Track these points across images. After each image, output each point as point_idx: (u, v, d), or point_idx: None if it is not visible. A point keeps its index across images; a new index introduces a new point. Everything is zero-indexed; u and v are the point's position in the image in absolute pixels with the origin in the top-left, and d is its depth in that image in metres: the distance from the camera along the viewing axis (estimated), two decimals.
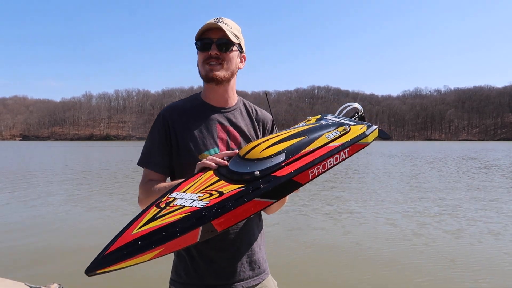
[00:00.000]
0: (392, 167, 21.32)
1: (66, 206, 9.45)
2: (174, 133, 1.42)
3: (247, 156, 1.09)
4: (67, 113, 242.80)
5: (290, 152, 1.06)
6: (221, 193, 0.99)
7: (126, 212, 8.36)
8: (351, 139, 1.11)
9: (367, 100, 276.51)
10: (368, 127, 1.19)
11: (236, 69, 1.44)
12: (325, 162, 1.03)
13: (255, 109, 1.58)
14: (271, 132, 1.54)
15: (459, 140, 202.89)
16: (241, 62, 1.48)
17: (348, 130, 1.15)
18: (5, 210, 9.09)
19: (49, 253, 5.68)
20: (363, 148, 1.14)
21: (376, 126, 1.21)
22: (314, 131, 1.14)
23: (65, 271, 4.88)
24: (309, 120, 1.33)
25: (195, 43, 1.40)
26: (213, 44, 1.36)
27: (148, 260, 0.90)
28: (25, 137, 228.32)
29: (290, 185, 1.00)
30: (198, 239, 0.92)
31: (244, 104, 1.56)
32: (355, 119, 1.34)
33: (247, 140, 1.46)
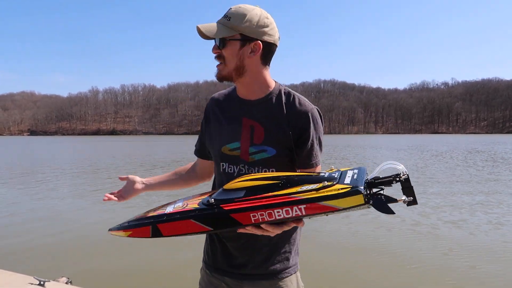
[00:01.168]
0: (399, 160, 21.15)
1: (73, 200, 9.56)
2: (208, 122, 1.51)
3: (225, 187, 1.14)
4: (74, 108, 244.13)
5: (251, 192, 1.05)
6: (184, 207, 1.12)
7: (130, 205, 8.41)
8: (315, 197, 0.97)
9: (374, 93, 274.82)
10: (353, 189, 0.96)
11: (244, 61, 1.35)
12: (272, 211, 0.98)
13: (293, 99, 1.41)
14: (307, 127, 1.37)
15: (467, 133, 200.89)
16: (252, 52, 1.35)
17: (328, 186, 1.00)
18: (14, 204, 9.21)
19: (58, 247, 5.76)
20: (332, 212, 0.97)
21: (361, 193, 0.95)
22: (295, 179, 1.07)
23: (73, 264, 4.95)
24: (332, 170, 1.19)
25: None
26: (215, 43, 1.37)
27: (126, 236, 1.15)
28: (32, 132, 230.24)
29: (227, 220, 1.02)
30: (150, 235, 1.10)
31: (281, 94, 1.42)
32: (389, 181, 1.06)
33: (272, 135, 1.37)
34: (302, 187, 1.02)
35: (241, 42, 1.34)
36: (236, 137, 1.39)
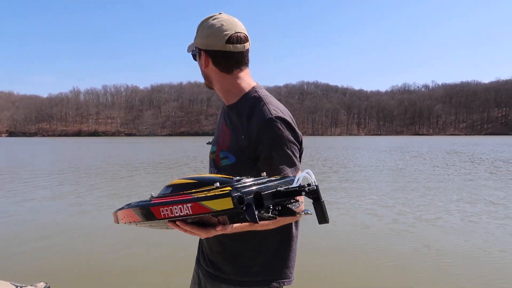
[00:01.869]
0: (378, 161, 21.53)
1: (50, 203, 9.39)
2: None
3: (170, 183, 1.17)
4: (55, 109, 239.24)
5: (176, 189, 1.09)
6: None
7: (104, 207, 8.34)
8: (198, 197, 0.96)
9: (356, 95, 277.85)
10: (232, 191, 0.92)
11: (205, 72, 1.43)
12: (172, 208, 0.99)
13: (258, 106, 1.34)
14: (261, 136, 1.29)
15: (447, 135, 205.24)
16: (204, 62, 1.40)
17: (217, 188, 0.98)
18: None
19: (35, 251, 5.65)
20: (208, 213, 0.94)
21: (230, 195, 0.91)
22: (208, 180, 1.06)
23: (51, 269, 4.87)
24: (284, 175, 1.21)
25: None
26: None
27: (124, 223, 1.18)
28: (11, 134, 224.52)
29: (147, 212, 1.06)
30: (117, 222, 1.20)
31: (247, 101, 1.39)
32: (300, 190, 1.02)
33: (234, 142, 1.35)
34: (206, 187, 1.01)
35: (198, 55, 1.42)
36: (215, 141, 1.46)
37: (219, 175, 1.12)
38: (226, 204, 0.92)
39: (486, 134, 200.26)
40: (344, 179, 13.66)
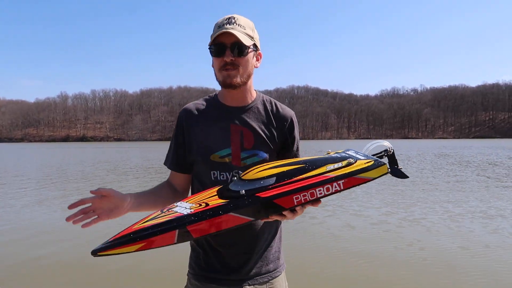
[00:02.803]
0: None
1: (35, 208, 9.19)
2: (188, 132, 1.45)
3: (243, 177, 1.15)
4: (42, 114, 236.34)
5: (281, 177, 1.09)
6: (206, 205, 1.07)
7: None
8: (350, 172, 1.10)
9: (346, 99, 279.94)
10: (376, 162, 1.15)
11: (252, 70, 1.41)
12: (314, 191, 1.04)
13: (275, 105, 1.52)
14: (291, 131, 1.50)
15: (435, 138, 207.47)
16: (257, 60, 1.45)
17: (353, 163, 1.14)
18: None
19: (25, 260, 5.49)
20: (364, 183, 1.11)
21: (384, 163, 1.16)
22: (317, 161, 1.15)
23: (38, 276, 4.72)
24: (329, 153, 1.30)
25: (209, 48, 1.37)
26: (227, 50, 1.33)
27: (134, 251, 1.01)
28: None
29: (271, 206, 1.04)
30: (175, 241, 1.02)
31: (263, 101, 1.51)
32: (381, 157, 1.26)
33: (262, 140, 1.43)
34: (327, 167, 1.11)
35: (254, 52, 1.41)
36: (226, 143, 1.40)
37: (315, 156, 1.21)
38: (383, 170, 1.15)
39: (474, 137, 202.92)
40: None
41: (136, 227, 1.04)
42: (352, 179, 1.09)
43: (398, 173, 1.21)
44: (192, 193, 1.48)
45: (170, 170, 1.54)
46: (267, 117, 1.47)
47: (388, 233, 6.64)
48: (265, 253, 1.44)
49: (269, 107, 1.49)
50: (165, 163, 1.54)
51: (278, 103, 1.53)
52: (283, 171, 1.11)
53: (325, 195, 1.06)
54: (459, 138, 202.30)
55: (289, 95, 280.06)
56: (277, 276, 1.47)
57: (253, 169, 1.17)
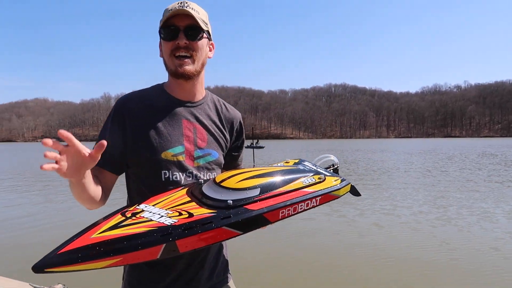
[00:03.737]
0: (404, 164, 21.02)
1: (73, 204, 9.66)
2: (131, 126, 1.25)
3: (222, 184, 1.08)
4: (87, 115, 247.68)
5: (265, 189, 1.07)
6: (190, 214, 0.98)
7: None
8: (324, 189, 1.13)
9: (385, 97, 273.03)
10: (342, 181, 1.22)
11: (205, 59, 1.30)
12: (296, 206, 1.05)
13: (224, 105, 1.43)
14: (240, 133, 1.46)
15: (481, 137, 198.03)
16: (210, 50, 1.33)
17: (323, 179, 1.18)
18: (16, 208, 9.34)
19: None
20: (333, 200, 1.16)
21: (349, 182, 1.24)
22: (292, 173, 1.16)
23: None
24: (288, 162, 1.34)
25: (159, 31, 1.25)
26: (180, 32, 1.21)
27: (103, 267, 0.86)
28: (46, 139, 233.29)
29: (260, 220, 1.01)
30: (158, 256, 0.90)
31: (213, 99, 1.41)
32: (329, 170, 1.36)
33: (214, 138, 1.34)
34: (302, 181, 1.14)
35: (208, 40, 1.29)
36: (178, 140, 1.27)
37: (284, 167, 1.25)
38: (347, 189, 1.24)
39: None
40: (367, 180, 13.41)
41: (97, 236, 0.89)
42: (327, 196, 1.12)
43: (354, 191, 1.31)
44: (130, 198, 1.32)
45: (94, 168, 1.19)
46: (218, 116, 1.38)
47: (419, 232, 6.46)
48: (216, 260, 1.38)
49: (218, 106, 1.40)
50: None
51: (226, 103, 1.45)
52: (265, 182, 1.09)
53: (304, 210, 1.08)
54: (506, 136, 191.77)
55: (326, 94, 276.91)
56: (227, 282, 1.42)
57: (231, 176, 1.12)
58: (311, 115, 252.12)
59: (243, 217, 0.98)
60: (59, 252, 0.85)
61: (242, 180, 1.09)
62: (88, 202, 1.15)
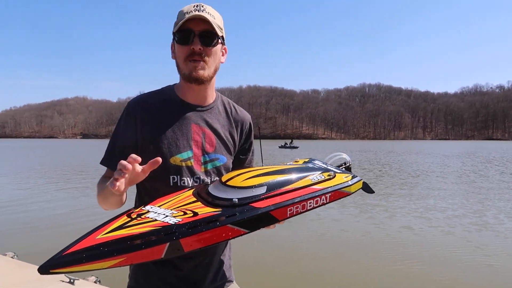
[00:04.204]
0: (440, 167, 20.31)
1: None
2: (142, 129, 1.26)
3: (228, 183, 1.08)
4: None
5: (272, 187, 1.05)
6: (195, 213, 0.98)
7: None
8: (334, 185, 1.11)
9: (422, 97, 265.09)
10: (353, 177, 1.19)
11: (218, 64, 1.29)
12: (305, 203, 1.04)
13: (234, 107, 1.42)
14: (249, 135, 1.45)
15: None
16: (223, 55, 1.32)
17: (333, 176, 1.16)
18: (54, 202, 9.76)
19: None
20: (345, 197, 1.14)
21: (361, 178, 1.21)
22: (300, 171, 1.14)
23: None
24: (297, 161, 1.31)
25: (173, 35, 1.24)
26: (195, 37, 1.20)
27: (107, 267, 0.87)
28: (85, 136, 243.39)
29: (266, 218, 1.00)
30: (162, 256, 0.90)
31: (223, 102, 1.39)
32: (341, 168, 1.31)
33: (223, 142, 1.33)
34: (311, 178, 1.12)
35: (221, 45, 1.29)
36: (187, 145, 1.27)
37: (293, 165, 1.22)
38: (359, 185, 1.20)
39: None
40: (399, 184, 13.06)
41: (102, 237, 0.91)
42: (337, 193, 1.11)
43: (368, 189, 1.26)
44: (139, 198, 1.32)
45: (106, 169, 1.31)
46: (227, 119, 1.37)
47: (452, 236, 6.25)
48: (220, 262, 1.38)
49: (228, 109, 1.39)
50: (103, 162, 1.30)
51: (236, 105, 1.43)
52: (272, 180, 1.07)
53: (314, 208, 1.06)
54: None
55: (360, 94, 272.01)
56: (231, 284, 1.42)
57: (237, 175, 1.11)
58: (344, 115, 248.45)
59: (248, 215, 0.97)
60: (65, 253, 0.87)
61: (248, 179, 1.08)
62: (116, 206, 1.21)
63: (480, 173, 16.93)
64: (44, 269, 0.85)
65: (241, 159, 1.42)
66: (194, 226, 0.92)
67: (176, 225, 0.92)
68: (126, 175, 0.98)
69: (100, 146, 69.00)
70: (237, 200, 1.01)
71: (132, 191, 1.25)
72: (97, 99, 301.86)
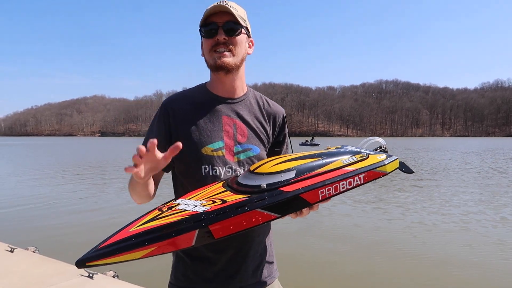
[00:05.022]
0: (458, 163, 19.97)
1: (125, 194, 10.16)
2: (175, 124, 1.31)
3: (256, 170, 1.08)
4: (140, 111, 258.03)
5: (301, 171, 1.04)
6: (224, 201, 0.98)
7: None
8: (368, 165, 1.10)
9: (440, 94, 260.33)
10: (388, 157, 1.17)
11: (245, 54, 1.33)
12: (337, 185, 1.02)
13: (266, 101, 1.44)
14: (282, 128, 1.44)
15: None
16: (249, 47, 1.36)
17: (366, 157, 1.14)
18: (75, 199, 10.00)
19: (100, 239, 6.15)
20: (381, 177, 1.12)
21: (397, 157, 1.18)
22: (330, 155, 1.12)
23: None
24: (329, 148, 1.27)
25: (200, 30, 1.29)
26: (219, 29, 1.25)
27: (140, 258, 0.88)
28: (103, 134, 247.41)
29: (297, 202, 0.98)
30: (193, 243, 0.91)
31: (255, 96, 1.43)
32: (377, 151, 1.29)
33: (255, 133, 1.35)
34: (342, 161, 1.10)
35: (246, 36, 1.33)
36: (218, 136, 1.30)
37: (323, 150, 1.19)
38: (395, 165, 1.18)
39: None
40: (415, 180, 12.91)
41: (135, 229, 0.92)
42: (371, 173, 1.09)
43: (405, 168, 1.24)
44: (176, 192, 1.36)
45: None
46: (259, 111, 1.40)
47: (468, 232, 6.20)
48: (260, 258, 1.36)
49: (260, 102, 1.42)
50: None
51: (269, 99, 1.47)
52: (301, 164, 1.06)
53: (347, 189, 1.05)
54: None
55: (377, 90, 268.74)
56: (272, 282, 1.39)
57: (265, 162, 1.11)
58: (360, 112, 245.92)
59: (278, 199, 0.96)
60: (100, 246, 0.90)
61: (276, 165, 1.07)
62: (145, 198, 1.25)
63: (499, 170, 16.59)
64: (81, 263, 0.87)
65: (275, 152, 1.43)
66: (223, 212, 0.92)
67: (204, 213, 0.93)
68: (143, 159, 0.98)
69: (118, 143, 70.38)
70: (265, 185, 1.00)
71: (165, 188, 1.30)
72: (114, 98, 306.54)
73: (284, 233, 5.93)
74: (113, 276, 3.68)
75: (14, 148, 46.86)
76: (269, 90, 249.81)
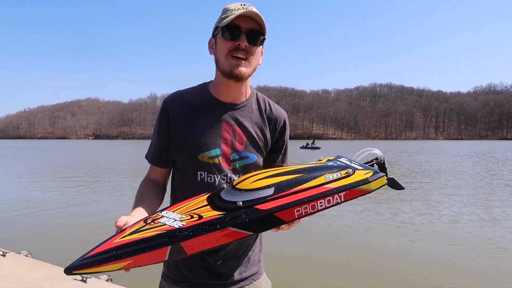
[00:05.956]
0: (450, 166, 20.13)
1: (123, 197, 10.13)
2: (173, 126, 1.30)
3: (238, 186, 1.08)
4: (134, 114, 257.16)
5: (280, 188, 1.04)
6: (200, 217, 0.99)
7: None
8: (350, 183, 1.06)
9: (434, 97, 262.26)
10: (375, 173, 1.12)
11: (257, 65, 1.30)
12: (315, 203, 1.01)
13: (269, 104, 1.40)
14: (282, 133, 1.41)
15: None
16: (261, 56, 1.33)
17: (351, 173, 1.10)
18: (68, 202, 9.94)
19: (94, 243, 6.14)
20: (364, 194, 1.09)
21: (384, 174, 1.13)
22: (315, 170, 1.10)
23: None
24: (320, 160, 1.27)
25: (219, 28, 1.23)
26: (242, 34, 1.20)
27: (118, 269, 0.92)
28: (97, 136, 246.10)
29: (271, 220, 0.99)
30: (166, 258, 0.94)
31: (257, 99, 1.39)
32: (372, 165, 1.25)
33: (254, 141, 1.32)
34: (325, 177, 1.07)
35: (262, 46, 1.30)
36: (216, 143, 1.28)
37: (310, 164, 1.17)
38: (381, 182, 1.11)
39: None
40: (409, 183, 13.01)
41: (118, 241, 0.95)
42: (353, 191, 1.06)
43: (394, 184, 1.19)
44: (173, 191, 1.37)
45: (149, 165, 1.41)
46: (260, 116, 1.36)
47: (457, 231, 6.20)
48: (248, 256, 1.38)
49: (262, 106, 1.38)
50: (146, 157, 1.39)
51: (272, 102, 1.42)
52: (282, 181, 1.05)
53: (326, 208, 1.03)
54: None
55: (371, 93, 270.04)
56: (258, 278, 1.42)
57: (247, 178, 1.10)
58: (355, 115, 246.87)
59: (250, 217, 0.97)
60: (86, 256, 0.92)
61: (257, 181, 1.07)
62: (156, 209, 1.24)
63: (492, 172, 16.74)
64: (68, 270, 0.91)
65: (272, 160, 1.40)
66: (196, 230, 0.94)
67: (179, 229, 0.95)
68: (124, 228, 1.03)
69: (112, 146, 70.14)
70: (241, 202, 1.01)
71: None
72: (108, 100, 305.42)
73: (274, 233, 5.95)
74: (107, 280, 3.69)
75: (6, 151, 46.52)
76: (264, 93, 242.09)
